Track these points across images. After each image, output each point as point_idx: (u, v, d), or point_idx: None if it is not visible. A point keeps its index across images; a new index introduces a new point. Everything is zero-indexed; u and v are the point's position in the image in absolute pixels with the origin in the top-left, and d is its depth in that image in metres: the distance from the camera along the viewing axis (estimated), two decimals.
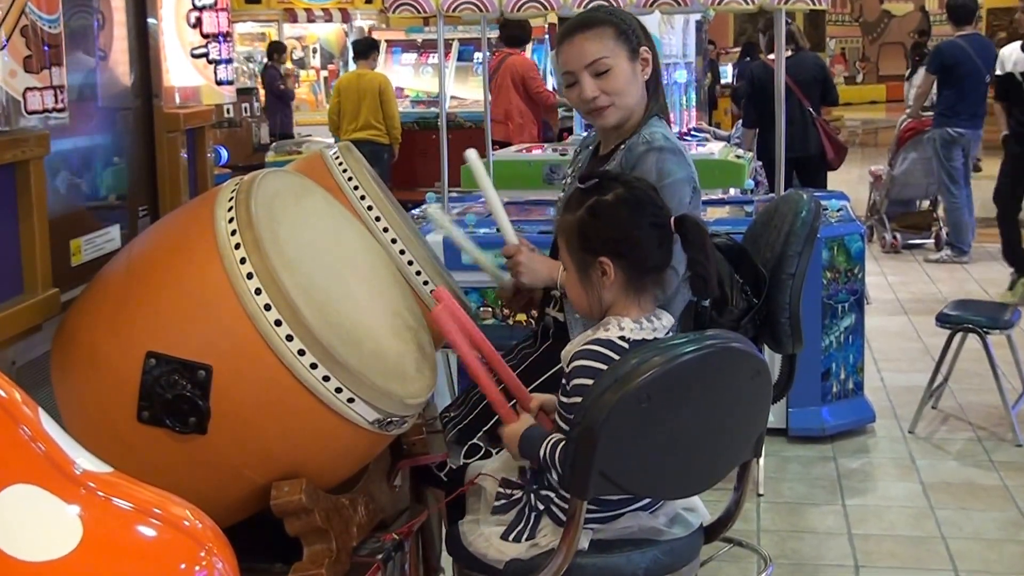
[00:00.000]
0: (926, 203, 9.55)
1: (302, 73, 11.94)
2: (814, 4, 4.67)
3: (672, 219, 2.31)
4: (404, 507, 2.58)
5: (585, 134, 3.16)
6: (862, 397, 5.14)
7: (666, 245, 2.31)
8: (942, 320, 5.10)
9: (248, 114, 8.38)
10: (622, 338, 2.25)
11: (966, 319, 5.02)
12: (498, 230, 2.92)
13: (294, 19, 11.37)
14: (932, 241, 9.24)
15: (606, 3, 4.69)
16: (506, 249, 2.82)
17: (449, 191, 5.50)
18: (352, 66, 9.81)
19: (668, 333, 2.32)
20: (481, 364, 2.37)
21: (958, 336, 5.07)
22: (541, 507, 2.32)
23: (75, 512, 1.20)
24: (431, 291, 2.59)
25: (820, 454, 4.81)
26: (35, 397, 2.24)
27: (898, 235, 9.25)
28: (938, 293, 7.61)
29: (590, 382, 2.16)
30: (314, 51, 11.97)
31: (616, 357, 2.20)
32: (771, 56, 6.28)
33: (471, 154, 2.94)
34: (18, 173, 2.19)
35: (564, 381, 2.28)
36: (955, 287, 7.78)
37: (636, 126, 2.82)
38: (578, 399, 2.17)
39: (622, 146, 2.81)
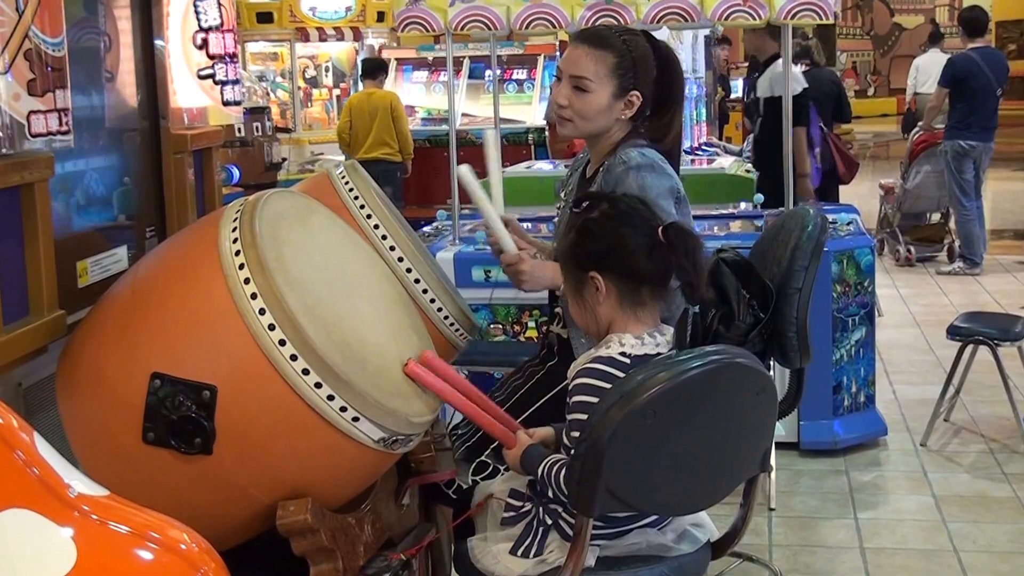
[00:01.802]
0: (936, 216, 9.52)
1: (314, 92, 11.98)
2: (821, 18, 4.66)
3: (660, 228, 2.31)
4: (412, 525, 2.58)
5: (580, 154, 3.15)
6: (874, 410, 5.11)
7: (657, 256, 2.31)
8: (953, 332, 5.08)
9: (260, 133, 8.39)
10: (623, 354, 2.26)
11: (976, 331, 4.99)
12: (491, 241, 2.87)
13: (306, 38, 11.39)
14: (944, 254, 9.21)
15: (615, 21, 4.70)
16: (506, 257, 2.80)
17: (461, 208, 5.51)
18: (360, 85, 9.81)
19: (672, 347, 2.32)
20: (469, 402, 2.39)
21: (969, 348, 5.05)
22: (549, 521, 2.32)
23: (68, 535, 1.20)
24: (444, 318, 2.62)
25: (832, 467, 4.79)
26: (42, 419, 2.28)
27: (912, 248, 9.20)
28: (950, 305, 7.58)
29: (591, 399, 2.17)
30: (326, 70, 12.01)
31: (617, 373, 2.21)
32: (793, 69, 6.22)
33: (463, 170, 2.89)
34: (23, 196, 2.20)
35: (568, 399, 2.29)
36: (967, 299, 7.75)
37: (614, 147, 2.83)
38: (581, 416, 2.17)
39: (601, 168, 2.82)
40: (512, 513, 2.40)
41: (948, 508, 4.34)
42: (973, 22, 8.71)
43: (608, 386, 2.18)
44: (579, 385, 2.26)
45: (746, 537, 2.55)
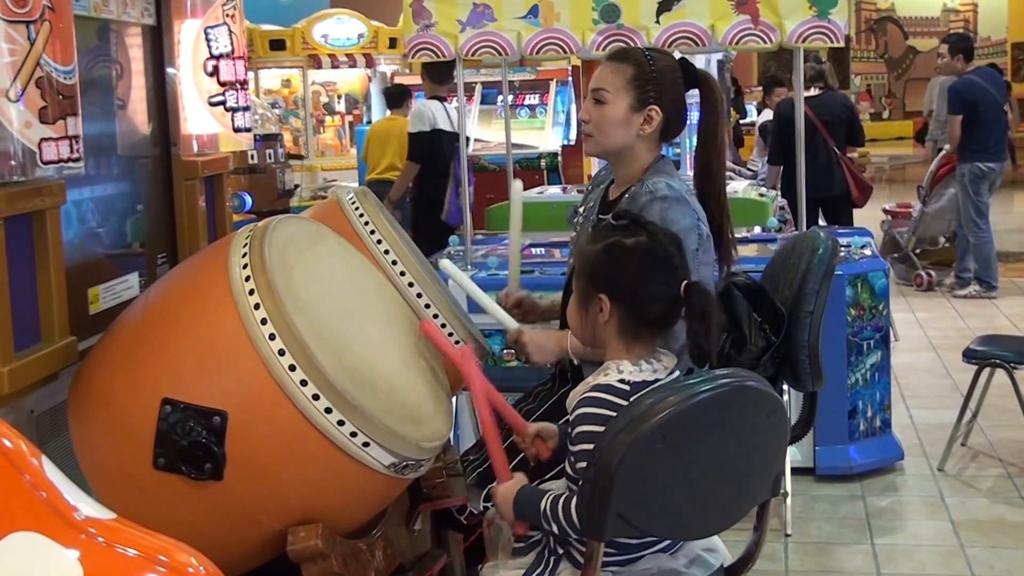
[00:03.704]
0: (942, 239, 9.51)
1: (327, 119, 12.04)
2: (832, 42, 4.67)
3: (684, 283, 2.27)
4: (424, 551, 2.57)
5: (597, 171, 3.15)
6: (890, 435, 5.07)
7: (671, 308, 2.28)
8: (969, 356, 5.04)
9: (272, 160, 8.41)
10: (622, 381, 2.24)
11: (993, 354, 4.96)
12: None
13: (318, 65, 11.46)
14: (954, 277, 9.17)
15: (625, 45, 4.71)
16: (508, 336, 2.84)
17: (473, 233, 5.51)
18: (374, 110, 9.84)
19: (673, 372, 2.31)
20: (493, 420, 2.38)
21: (986, 371, 5.01)
22: (560, 551, 2.30)
23: (75, 557, 1.22)
24: (456, 343, 2.61)
25: (848, 493, 4.75)
26: (54, 445, 2.28)
27: (932, 273, 9.14)
28: (967, 329, 7.53)
29: (594, 428, 2.15)
30: (339, 97, 12.07)
31: (618, 400, 2.20)
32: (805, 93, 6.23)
33: (517, 187, 2.93)
34: (34, 223, 2.21)
35: (569, 429, 2.27)
36: (984, 323, 7.70)
37: (640, 174, 2.80)
38: (586, 446, 2.15)
39: (626, 195, 2.79)
40: (522, 544, 2.37)
41: (966, 533, 4.30)
42: (968, 51, 8.76)
43: (610, 413, 2.17)
44: (581, 415, 2.23)
45: (763, 564, 2.53)
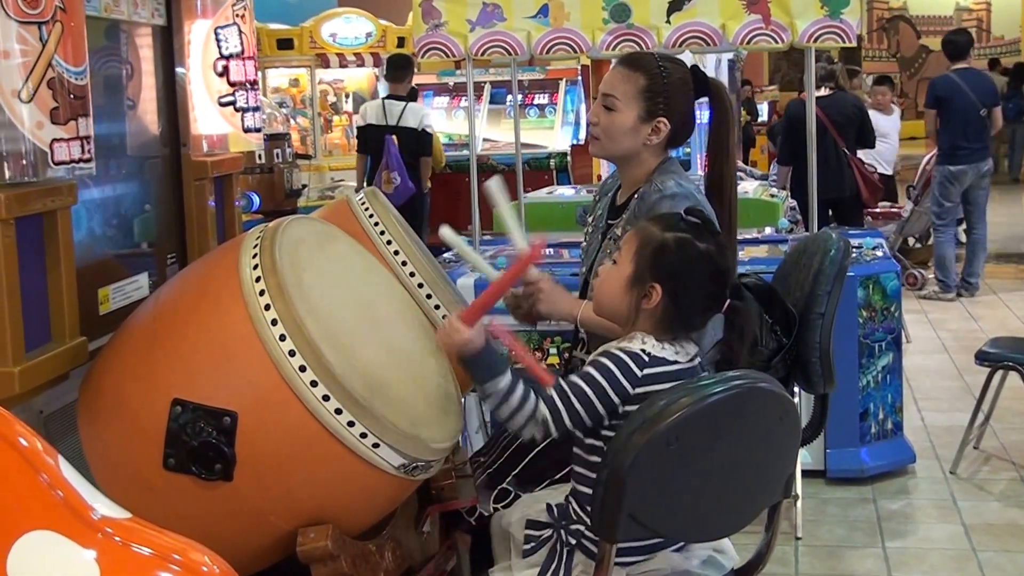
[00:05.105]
0: (911, 239, 9.58)
1: (335, 118, 12.02)
2: (844, 41, 4.65)
3: (727, 303, 2.34)
4: (433, 553, 2.56)
5: (605, 179, 3.14)
6: (902, 437, 5.06)
7: (710, 316, 2.35)
8: (982, 358, 5.02)
9: (280, 160, 8.43)
10: (643, 351, 2.25)
11: (1006, 356, 4.94)
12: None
13: (326, 64, 11.44)
14: (932, 275, 9.20)
15: (636, 45, 4.70)
16: (529, 275, 2.77)
17: (482, 234, 5.50)
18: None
19: (695, 359, 2.32)
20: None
21: (999, 374, 4.99)
22: (573, 542, 2.29)
23: (92, 557, 1.24)
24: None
25: (859, 496, 4.74)
26: (62, 446, 2.27)
27: (923, 272, 9.13)
28: (979, 331, 7.51)
29: (599, 378, 2.21)
30: (346, 96, 12.06)
31: (633, 366, 2.22)
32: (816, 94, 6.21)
33: (492, 184, 2.79)
34: (46, 223, 2.21)
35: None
36: (997, 324, 7.68)
37: (648, 176, 2.81)
38: (593, 373, 2.23)
39: (635, 196, 2.80)
40: (532, 544, 2.36)
41: (978, 537, 4.29)
42: (950, 45, 8.73)
43: (621, 376, 2.22)
44: (595, 360, 2.26)
45: (773, 567, 2.52)
